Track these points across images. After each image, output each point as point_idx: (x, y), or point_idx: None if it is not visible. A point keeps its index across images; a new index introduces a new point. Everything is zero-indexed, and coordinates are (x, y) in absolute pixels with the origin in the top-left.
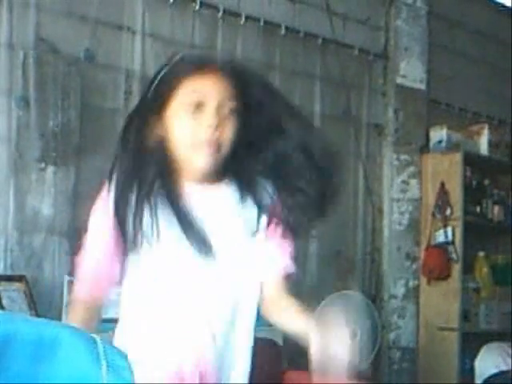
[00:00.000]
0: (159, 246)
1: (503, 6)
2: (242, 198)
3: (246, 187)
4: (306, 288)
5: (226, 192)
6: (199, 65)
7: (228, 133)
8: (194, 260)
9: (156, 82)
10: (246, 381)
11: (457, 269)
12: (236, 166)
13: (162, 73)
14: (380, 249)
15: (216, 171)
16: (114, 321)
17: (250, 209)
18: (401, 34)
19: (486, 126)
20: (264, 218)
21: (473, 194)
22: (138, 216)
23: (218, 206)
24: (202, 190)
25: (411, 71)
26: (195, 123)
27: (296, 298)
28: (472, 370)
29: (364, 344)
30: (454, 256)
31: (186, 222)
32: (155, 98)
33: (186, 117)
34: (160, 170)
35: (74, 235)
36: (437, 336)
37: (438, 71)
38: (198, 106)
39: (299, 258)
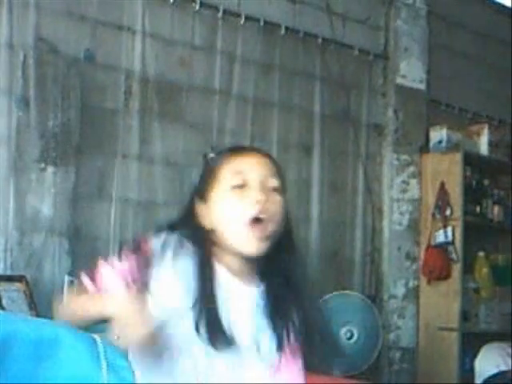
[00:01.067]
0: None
1: (503, 5)
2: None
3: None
4: None
5: (256, 295)
6: (238, 148)
7: (274, 210)
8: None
9: (202, 174)
10: None
11: (457, 269)
12: (268, 268)
13: (205, 166)
14: (380, 249)
15: (251, 271)
16: None
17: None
18: (401, 34)
19: (486, 126)
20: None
21: (473, 194)
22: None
23: (247, 304)
24: (234, 284)
25: (411, 71)
26: (242, 202)
27: None
28: (472, 369)
29: (363, 344)
30: (453, 256)
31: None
32: (201, 186)
33: (233, 197)
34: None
35: (74, 235)
36: (437, 336)
37: (437, 71)
38: (243, 186)
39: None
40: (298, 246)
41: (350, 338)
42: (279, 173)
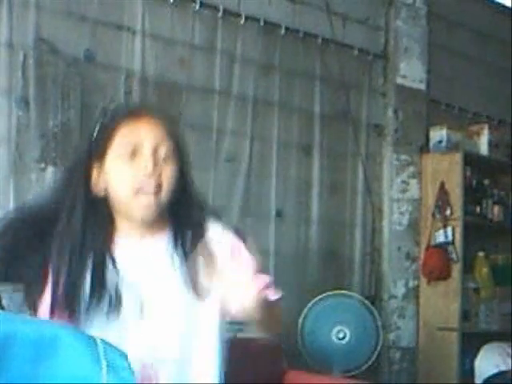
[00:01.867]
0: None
1: (503, 6)
2: (176, 247)
3: (180, 236)
4: (305, 288)
5: (162, 244)
6: (132, 112)
7: (167, 175)
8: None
9: (94, 134)
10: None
11: (457, 269)
12: (172, 215)
13: (99, 125)
14: (380, 249)
15: (154, 221)
16: None
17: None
18: (400, 34)
19: (486, 126)
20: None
21: (473, 194)
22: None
23: (154, 258)
24: (139, 243)
25: (411, 71)
26: (132, 171)
27: (296, 298)
28: (472, 370)
29: (357, 344)
30: (453, 256)
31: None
32: (93, 151)
33: (122, 166)
34: (97, 225)
35: None
36: (437, 336)
37: (437, 71)
38: (134, 153)
39: (299, 257)
40: (195, 197)
41: (342, 339)
42: (173, 139)
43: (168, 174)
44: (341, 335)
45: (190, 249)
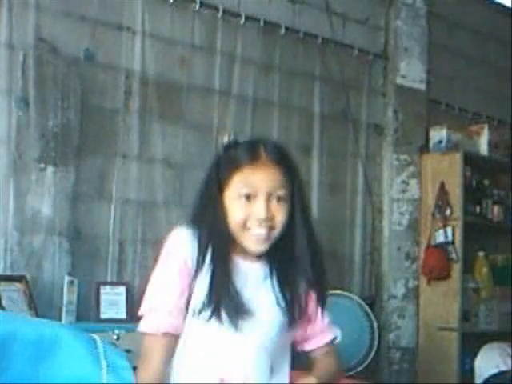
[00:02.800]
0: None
1: (503, 5)
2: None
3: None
4: None
5: (263, 268)
6: (253, 153)
7: (278, 220)
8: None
9: (214, 166)
10: None
11: (457, 269)
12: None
13: (219, 158)
14: (380, 249)
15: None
16: (114, 321)
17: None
18: (400, 34)
19: (486, 126)
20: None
21: (473, 194)
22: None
23: (258, 278)
24: (246, 264)
25: (411, 71)
26: (247, 210)
27: None
28: (472, 370)
29: (351, 345)
30: (453, 256)
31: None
32: (216, 180)
33: (239, 205)
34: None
35: (74, 235)
36: (436, 336)
37: (437, 71)
38: (250, 197)
39: None
40: (311, 227)
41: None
42: (290, 182)
43: (280, 216)
44: None
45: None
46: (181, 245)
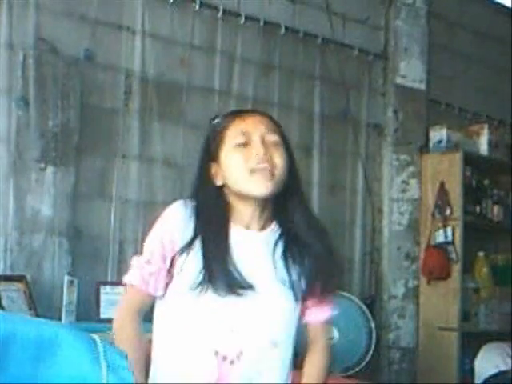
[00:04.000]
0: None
1: (503, 5)
2: (285, 246)
3: (288, 238)
4: None
5: (270, 238)
6: (240, 111)
7: (277, 160)
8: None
9: (208, 135)
10: None
11: (456, 269)
12: (280, 213)
13: (210, 129)
14: (380, 249)
15: (264, 218)
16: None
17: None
18: (400, 33)
19: (486, 126)
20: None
21: (473, 193)
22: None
23: (262, 250)
24: (249, 235)
25: (411, 71)
26: (246, 155)
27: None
28: (472, 370)
29: (348, 344)
30: (453, 256)
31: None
32: (210, 148)
33: (237, 153)
34: (214, 214)
35: (74, 235)
36: (436, 336)
37: (437, 71)
38: (245, 143)
39: None
40: (303, 192)
41: (331, 339)
42: (279, 130)
43: (278, 156)
44: (330, 335)
45: (293, 253)
46: (169, 217)
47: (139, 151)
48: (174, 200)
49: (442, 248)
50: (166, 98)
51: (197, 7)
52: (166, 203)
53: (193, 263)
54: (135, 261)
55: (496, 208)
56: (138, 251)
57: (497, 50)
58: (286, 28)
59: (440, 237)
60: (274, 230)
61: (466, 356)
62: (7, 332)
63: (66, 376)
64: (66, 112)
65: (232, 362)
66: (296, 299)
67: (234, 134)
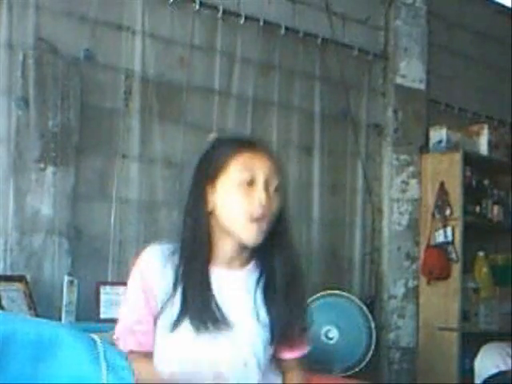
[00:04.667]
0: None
1: (503, 5)
2: (261, 285)
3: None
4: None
5: (251, 276)
6: (247, 142)
7: (274, 208)
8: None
9: (209, 155)
10: None
11: (456, 269)
12: (261, 253)
13: (208, 152)
14: (380, 249)
15: (244, 256)
16: (114, 321)
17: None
18: (400, 33)
19: (486, 126)
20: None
21: (472, 193)
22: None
23: (240, 289)
24: (230, 275)
25: (411, 71)
26: (249, 199)
27: None
28: (472, 370)
29: (348, 345)
30: (453, 256)
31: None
32: (209, 169)
33: (240, 193)
34: (196, 257)
35: (74, 235)
36: (436, 336)
37: (437, 71)
38: (250, 183)
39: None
40: (290, 233)
41: (331, 339)
42: (280, 170)
43: (276, 204)
44: (330, 335)
45: (271, 292)
46: (147, 269)
47: (139, 151)
48: (174, 200)
49: (441, 248)
50: (166, 97)
51: (197, 7)
52: (166, 203)
53: (175, 308)
54: (124, 319)
55: (496, 208)
56: (138, 251)
57: (497, 50)
58: (286, 28)
59: (440, 237)
60: (254, 267)
61: (466, 356)
62: (7, 332)
63: (65, 376)
64: (65, 112)
65: None
66: (271, 338)
67: (240, 168)
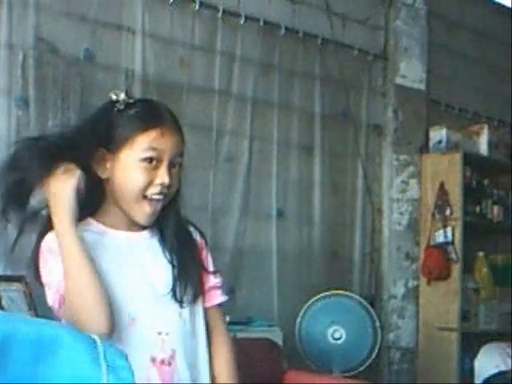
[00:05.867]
0: None
1: (503, 6)
2: (164, 246)
3: (168, 237)
4: (305, 288)
5: (151, 240)
6: (156, 117)
7: (173, 186)
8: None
9: (110, 116)
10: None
11: (456, 269)
12: (161, 215)
13: (111, 116)
14: (380, 249)
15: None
16: None
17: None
18: (400, 34)
19: (486, 126)
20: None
21: (472, 194)
22: None
23: (144, 252)
24: (126, 235)
25: (411, 71)
26: (147, 177)
27: (297, 297)
28: (472, 370)
29: (354, 344)
30: (453, 256)
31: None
32: (108, 132)
33: (139, 170)
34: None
35: None
36: (436, 336)
37: (437, 71)
38: (152, 161)
39: (300, 257)
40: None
41: (338, 339)
42: (183, 146)
43: (176, 181)
44: (337, 335)
45: (176, 248)
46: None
47: None
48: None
49: (441, 248)
50: (166, 98)
51: (197, 7)
52: None
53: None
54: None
55: (496, 208)
56: None
57: (497, 50)
58: (286, 28)
59: (440, 237)
60: (151, 231)
61: (466, 356)
62: (7, 332)
63: (65, 376)
64: (66, 112)
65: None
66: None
67: (145, 147)
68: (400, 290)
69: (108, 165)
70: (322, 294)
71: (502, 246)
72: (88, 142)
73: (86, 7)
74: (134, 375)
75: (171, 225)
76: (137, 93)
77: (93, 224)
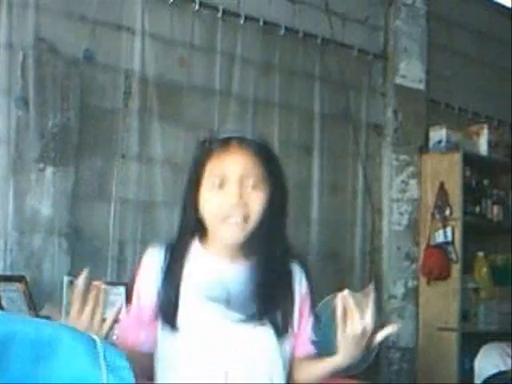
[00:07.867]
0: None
1: (503, 6)
2: (267, 277)
3: (270, 267)
4: None
5: (251, 269)
6: (220, 142)
7: (254, 205)
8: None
9: (192, 164)
10: None
11: (456, 269)
12: (263, 243)
13: (194, 158)
14: (379, 249)
15: (245, 246)
16: (114, 321)
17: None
18: (400, 34)
19: (486, 126)
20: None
21: (472, 194)
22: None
23: (242, 281)
24: (229, 264)
25: (410, 71)
26: (219, 202)
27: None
28: (471, 370)
29: None
30: (453, 256)
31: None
32: (191, 177)
33: (211, 194)
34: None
35: (74, 235)
36: (436, 336)
37: (437, 71)
38: (222, 184)
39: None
40: (283, 227)
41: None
42: (260, 165)
43: (256, 201)
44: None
45: (272, 285)
46: (146, 269)
47: (139, 151)
48: (174, 200)
49: (441, 248)
50: (165, 98)
51: (196, 7)
52: (166, 203)
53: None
54: (128, 316)
55: (496, 208)
56: (138, 251)
57: (497, 50)
58: (286, 28)
59: (440, 237)
60: (246, 263)
61: (466, 356)
62: (7, 332)
63: (65, 376)
64: (65, 112)
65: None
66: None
67: (210, 173)
68: (400, 289)
69: (199, 204)
70: (327, 297)
71: (501, 246)
72: (186, 194)
73: (85, 7)
74: (133, 375)
75: (262, 260)
76: (136, 93)
77: None
